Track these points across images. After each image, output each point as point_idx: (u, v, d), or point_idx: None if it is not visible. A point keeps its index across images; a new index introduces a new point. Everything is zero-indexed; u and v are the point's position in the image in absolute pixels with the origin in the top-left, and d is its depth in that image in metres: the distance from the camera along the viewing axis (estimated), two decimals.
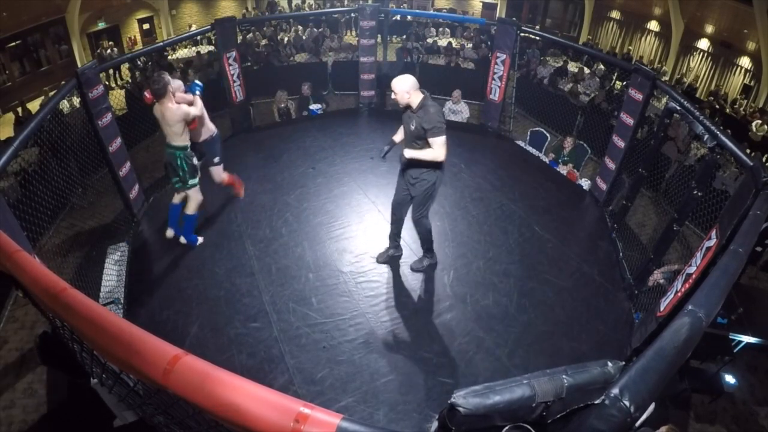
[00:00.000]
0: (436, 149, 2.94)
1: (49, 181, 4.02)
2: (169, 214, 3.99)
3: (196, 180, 3.77)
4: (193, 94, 3.67)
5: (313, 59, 9.23)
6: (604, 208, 4.82)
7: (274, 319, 3.28)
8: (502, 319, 3.37)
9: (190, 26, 14.08)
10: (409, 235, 4.06)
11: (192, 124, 3.60)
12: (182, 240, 3.98)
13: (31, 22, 10.31)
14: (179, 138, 3.55)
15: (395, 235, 3.74)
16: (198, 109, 3.62)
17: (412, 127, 3.00)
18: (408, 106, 3.01)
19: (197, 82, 3.82)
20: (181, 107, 3.46)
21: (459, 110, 6.68)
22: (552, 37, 7.31)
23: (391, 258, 3.81)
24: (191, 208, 3.85)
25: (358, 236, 4.08)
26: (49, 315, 1.48)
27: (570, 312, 3.51)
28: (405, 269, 3.74)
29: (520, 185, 4.96)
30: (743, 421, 3.81)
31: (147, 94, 3.46)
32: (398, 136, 3.32)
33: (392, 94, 3.04)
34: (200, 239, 4.02)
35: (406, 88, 2.93)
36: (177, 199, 3.94)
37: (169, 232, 4.02)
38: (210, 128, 3.89)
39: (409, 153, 3.02)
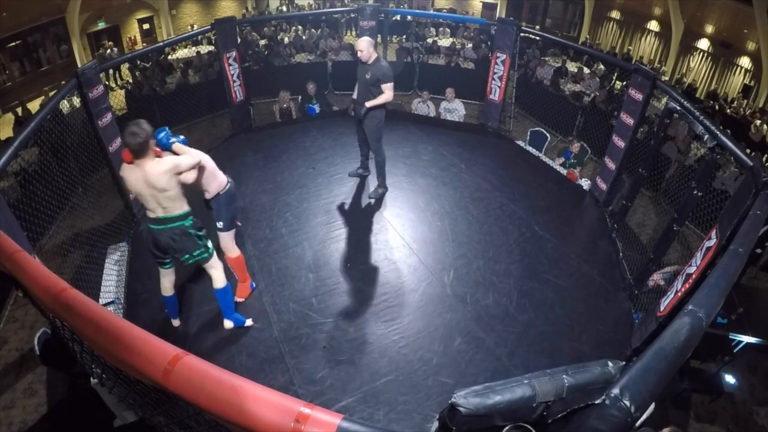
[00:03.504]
0: (387, 93, 3.91)
1: (49, 181, 4.02)
2: (168, 306, 3.17)
3: (210, 244, 2.90)
4: (168, 147, 2.68)
5: (319, 59, 9.25)
6: (604, 208, 4.82)
7: (274, 319, 3.28)
8: (502, 319, 3.37)
9: (192, 26, 14.08)
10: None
11: (194, 179, 2.67)
12: (228, 324, 3.16)
13: (31, 22, 10.31)
14: (179, 203, 2.64)
15: (365, 159, 4.71)
16: (191, 157, 2.67)
17: (367, 76, 3.91)
18: (366, 61, 3.90)
19: (180, 136, 2.82)
20: (165, 159, 2.55)
21: (454, 108, 6.67)
22: (552, 37, 7.32)
23: (360, 175, 4.77)
24: (220, 280, 2.97)
25: (358, 236, 4.07)
26: (49, 315, 1.48)
27: (570, 312, 3.51)
28: (405, 269, 3.74)
29: (520, 185, 4.96)
30: (743, 421, 3.81)
31: (125, 155, 2.53)
32: (355, 94, 4.19)
33: (358, 51, 3.90)
34: (249, 321, 3.22)
35: (371, 47, 3.90)
36: (168, 285, 3.03)
37: (176, 322, 3.25)
38: (220, 182, 2.97)
39: (370, 103, 3.92)
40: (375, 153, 4.33)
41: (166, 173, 2.50)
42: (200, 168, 2.75)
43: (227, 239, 3.18)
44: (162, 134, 2.65)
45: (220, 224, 3.10)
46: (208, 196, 2.98)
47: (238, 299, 3.38)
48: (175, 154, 2.66)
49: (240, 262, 3.35)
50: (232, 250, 3.24)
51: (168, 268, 2.96)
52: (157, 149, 2.58)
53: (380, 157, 4.36)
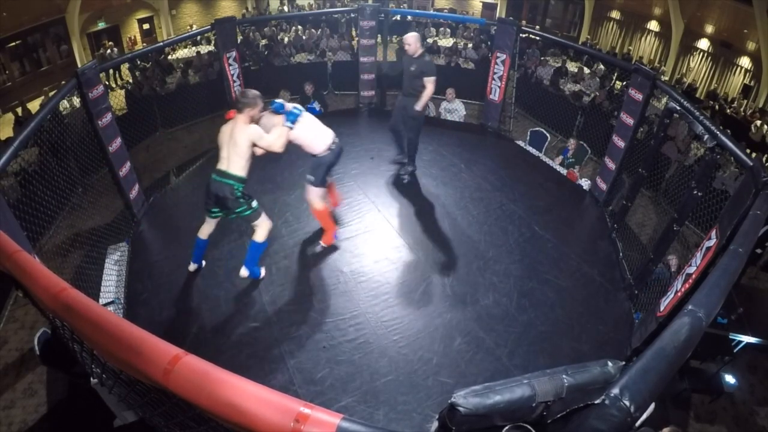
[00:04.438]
0: (429, 87, 4.16)
1: (49, 181, 4.02)
2: (194, 247, 3.55)
3: (256, 203, 3.27)
4: (292, 121, 3.22)
5: (319, 59, 9.24)
6: (604, 208, 4.82)
7: (274, 320, 3.28)
8: (502, 319, 3.37)
9: (191, 26, 14.08)
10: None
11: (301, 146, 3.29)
12: (243, 273, 3.45)
13: (31, 22, 10.31)
14: (241, 165, 3.05)
15: (400, 147, 4.89)
16: (274, 140, 3.11)
17: (413, 69, 4.19)
18: (413, 54, 4.19)
19: (297, 108, 3.30)
20: (254, 127, 3.05)
21: (454, 108, 6.68)
22: (552, 37, 7.32)
23: (400, 161, 4.94)
24: (261, 235, 3.34)
25: (358, 236, 4.07)
26: (49, 315, 1.48)
27: (570, 312, 3.51)
28: (405, 269, 3.74)
29: (520, 185, 4.96)
30: (743, 421, 3.81)
31: (229, 114, 3.11)
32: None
33: (406, 44, 4.18)
34: (263, 272, 3.60)
35: (418, 42, 4.20)
36: (206, 231, 3.46)
37: (192, 267, 3.63)
38: (322, 147, 3.41)
39: (419, 105, 4.20)
40: (410, 140, 4.64)
41: (247, 135, 3.00)
42: (296, 140, 3.32)
43: (314, 193, 3.61)
44: (277, 106, 3.25)
45: (311, 178, 3.55)
46: (312, 153, 3.46)
47: (324, 244, 3.88)
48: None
49: (323, 214, 3.77)
50: (316, 204, 3.68)
51: (212, 218, 3.39)
52: (254, 115, 3.09)
53: (415, 143, 4.67)
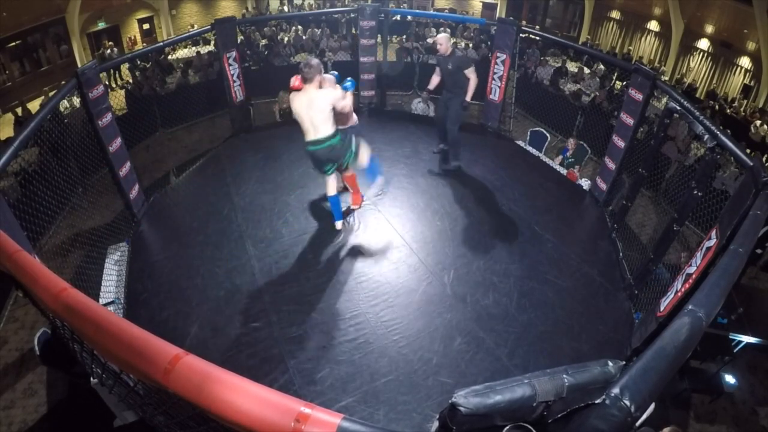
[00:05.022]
0: (472, 76, 4.42)
1: (49, 181, 4.02)
2: (332, 207, 3.98)
3: (354, 139, 3.74)
4: (345, 90, 3.61)
5: (318, 59, 9.23)
6: (604, 208, 4.82)
7: (274, 319, 3.28)
8: (502, 319, 3.37)
9: (192, 26, 14.08)
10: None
11: (342, 117, 3.58)
12: (338, 225, 4.01)
13: (31, 22, 10.30)
14: (327, 126, 3.34)
15: (442, 137, 5.03)
16: (349, 103, 3.65)
17: (450, 67, 4.47)
18: (445, 54, 4.47)
19: (350, 79, 3.79)
20: (331, 91, 3.33)
21: None
22: (552, 37, 7.32)
23: (442, 150, 5.09)
24: (365, 158, 3.85)
25: (358, 236, 4.07)
26: (49, 315, 1.48)
27: (570, 312, 3.51)
28: (405, 269, 3.74)
29: (520, 185, 4.96)
30: (743, 421, 3.81)
31: (295, 81, 3.41)
32: (432, 84, 4.82)
33: (438, 45, 4.46)
34: (339, 224, 4.04)
35: (449, 42, 4.48)
36: (332, 188, 3.86)
37: (339, 224, 4.05)
38: (353, 120, 4.13)
39: (469, 96, 4.49)
40: (451, 133, 4.78)
41: (327, 99, 3.26)
42: (348, 114, 3.87)
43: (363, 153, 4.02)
44: (351, 85, 3.72)
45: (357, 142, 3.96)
46: (341, 128, 3.73)
47: (354, 207, 4.31)
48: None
49: (353, 180, 4.20)
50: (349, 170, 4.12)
51: (329, 174, 3.70)
52: (321, 81, 3.37)
53: (455, 136, 4.83)
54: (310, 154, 3.50)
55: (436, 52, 4.59)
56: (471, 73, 4.42)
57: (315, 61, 3.31)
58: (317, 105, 3.24)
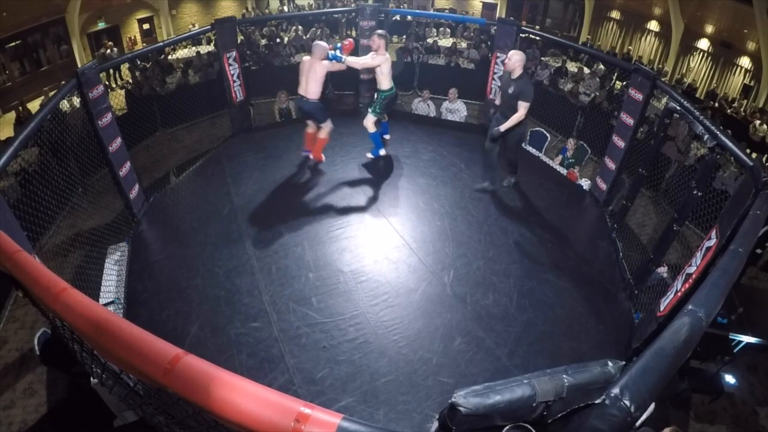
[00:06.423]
0: (521, 111, 4.01)
1: (49, 181, 4.02)
2: (375, 142, 4.94)
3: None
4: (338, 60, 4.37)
5: None
6: (604, 208, 4.82)
7: (274, 319, 3.28)
8: (502, 319, 3.37)
9: (193, 25, 14.07)
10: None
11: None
12: (369, 155, 5.09)
13: (31, 22, 10.30)
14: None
15: (485, 171, 4.78)
16: (363, 62, 4.60)
17: (510, 91, 4.04)
18: (511, 72, 4.03)
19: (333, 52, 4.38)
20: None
21: (456, 109, 6.67)
22: (552, 37, 7.31)
23: (485, 189, 4.76)
24: (370, 125, 4.83)
25: (358, 236, 4.07)
26: (49, 315, 1.48)
27: (570, 312, 3.51)
28: (405, 269, 3.75)
29: (520, 185, 4.96)
30: (743, 421, 3.81)
31: (348, 43, 4.47)
32: (498, 100, 4.47)
33: (507, 59, 4.02)
34: (383, 151, 5.09)
35: (521, 63, 3.98)
36: (371, 126, 4.77)
37: (383, 151, 5.02)
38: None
39: (503, 127, 4.13)
40: (512, 163, 4.71)
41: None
42: (378, 69, 4.50)
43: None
44: (336, 52, 4.36)
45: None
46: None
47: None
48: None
49: (322, 143, 4.87)
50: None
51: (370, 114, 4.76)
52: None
53: (515, 161, 4.74)
54: (382, 99, 4.61)
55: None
56: (522, 107, 3.99)
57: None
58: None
